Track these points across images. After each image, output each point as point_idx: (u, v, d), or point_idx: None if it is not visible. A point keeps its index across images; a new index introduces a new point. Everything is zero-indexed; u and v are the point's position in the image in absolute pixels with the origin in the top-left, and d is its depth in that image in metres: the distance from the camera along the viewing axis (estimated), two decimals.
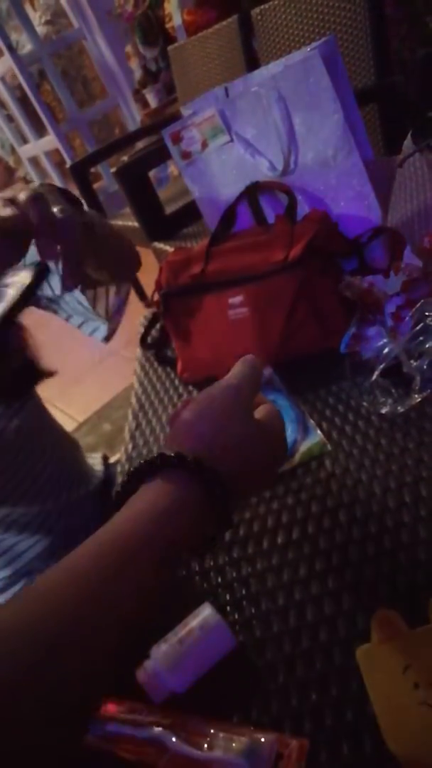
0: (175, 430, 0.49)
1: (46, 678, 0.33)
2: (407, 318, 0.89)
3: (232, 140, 1.13)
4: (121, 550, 0.41)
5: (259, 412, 0.53)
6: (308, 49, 1.07)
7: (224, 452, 0.46)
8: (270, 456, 0.51)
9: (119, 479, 1.03)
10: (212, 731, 0.58)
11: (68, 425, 2.79)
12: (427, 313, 0.86)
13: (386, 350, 0.81)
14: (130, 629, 0.39)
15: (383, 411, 0.83)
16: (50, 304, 1.02)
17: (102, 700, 0.39)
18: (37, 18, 5.24)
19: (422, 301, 0.89)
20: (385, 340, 0.88)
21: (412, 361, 0.79)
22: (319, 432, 0.87)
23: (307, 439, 0.87)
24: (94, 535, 0.43)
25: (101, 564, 0.40)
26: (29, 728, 0.32)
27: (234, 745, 0.56)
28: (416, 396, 0.80)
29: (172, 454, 0.44)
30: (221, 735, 0.58)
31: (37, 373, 1.02)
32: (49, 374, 1.02)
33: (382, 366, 0.81)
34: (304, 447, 0.86)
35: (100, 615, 0.38)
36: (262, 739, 0.56)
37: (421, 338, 0.84)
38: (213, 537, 0.47)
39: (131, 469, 0.46)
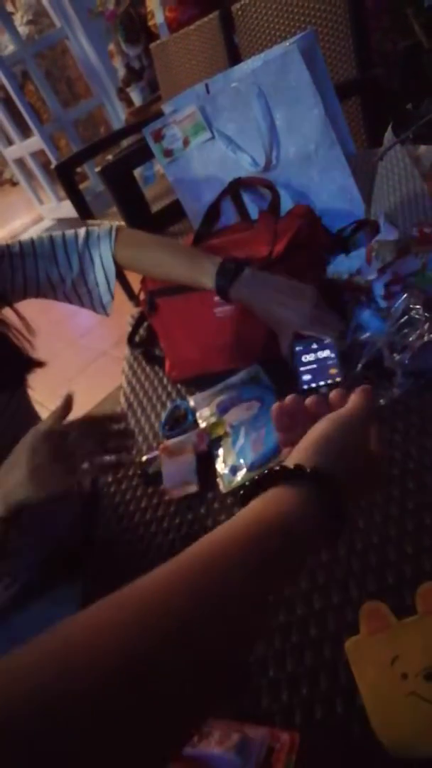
0: (300, 449, 0.52)
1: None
2: (400, 298, 0.89)
3: (213, 137, 1.13)
4: (251, 538, 0.43)
5: (373, 443, 0.56)
6: (287, 44, 1.07)
7: (341, 467, 0.50)
8: (376, 478, 0.56)
9: (109, 477, 1.03)
10: (204, 728, 0.59)
11: None
12: (411, 306, 0.87)
13: (369, 344, 0.81)
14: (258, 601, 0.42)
15: None
16: (70, 294, 1.08)
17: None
18: (18, 18, 5.22)
19: (405, 294, 0.90)
20: (380, 323, 0.88)
21: (395, 355, 0.79)
22: None
23: None
24: (228, 526, 0.45)
25: (234, 546, 0.42)
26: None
27: (226, 740, 0.57)
28: (396, 390, 0.80)
29: (292, 466, 0.48)
30: (213, 731, 0.58)
31: (27, 362, 1.03)
32: (39, 364, 1.04)
33: (366, 359, 0.81)
34: None
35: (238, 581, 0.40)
36: (254, 734, 0.57)
37: (405, 330, 0.85)
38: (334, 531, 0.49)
39: (256, 477, 0.49)
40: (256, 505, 0.47)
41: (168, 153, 1.17)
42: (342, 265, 0.98)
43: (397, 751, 0.52)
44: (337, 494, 0.47)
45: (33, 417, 1.12)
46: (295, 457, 0.51)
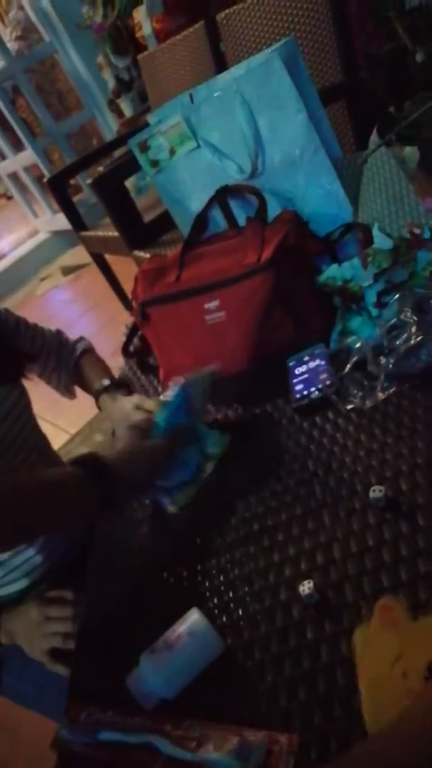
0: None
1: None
2: (391, 302, 0.89)
3: (199, 146, 1.13)
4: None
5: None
6: (268, 52, 1.07)
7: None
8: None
9: None
10: (203, 733, 0.59)
11: (60, 438, 2.79)
12: (400, 309, 0.87)
13: (358, 345, 0.81)
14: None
15: (349, 406, 0.84)
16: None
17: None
18: (7, 34, 5.24)
19: (398, 295, 0.90)
20: (372, 331, 0.88)
21: (381, 358, 0.79)
22: (216, 431, 0.93)
23: (210, 445, 0.93)
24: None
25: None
26: None
27: (225, 745, 0.57)
28: (380, 394, 0.81)
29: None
30: (212, 736, 0.58)
31: (22, 356, 1.16)
32: (31, 357, 1.20)
33: (354, 360, 0.81)
34: (212, 450, 0.92)
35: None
36: (252, 738, 0.57)
37: (395, 333, 0.85)
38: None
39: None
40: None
41: (155, 163, 1.18)
42: (335, 273, 0.98)
43: None
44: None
45: (30, 416, 1.14)
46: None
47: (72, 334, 1.35)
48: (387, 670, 0.55)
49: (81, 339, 1.33)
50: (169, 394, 0.91)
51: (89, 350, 1.31)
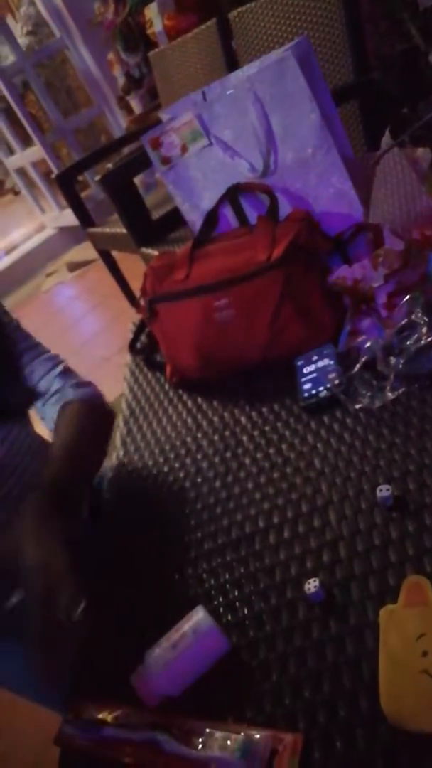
0: None
1: None
2: (401, 303, 0.89)
3: (211, 144, 1.13)
4: None
5: None
6: (282, 51, 1.07)
7: None
8: None
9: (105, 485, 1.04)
10: (207, 731, 0.59)
11: None
12: (411, 310, 0.87)
13: (368, 344, 0.81)
14: None
15: (358, 406, 0.83)
16: None
17: None
18: (18, 29, 5.25)
19: (408, 296, 0.90)
20: (381, 332, 0.88)
21: (391, 358, 0.79)
22: None
23: None
24: None
25: None
26: None
27: (229, 743, 0.57)
28: (389, 394, 0.80)
29: None
30: (216, 734, 0.58)
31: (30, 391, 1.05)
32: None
33: (363, 359, 0.81)
34: None
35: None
36: (257, 736, 0.57)
37: (405, 333, 0.85)
38: None
39: None
40: None
41: (166, 160, 1.18)
42: (345, 273, 0.98)
43: (393, 720, 0.52)
44: None
45: (38, 443, 1.10)
46: None
47: (77, 332, 1.32)
48: (409, 645, 0.56)
49: (87, 384, 1.11)
50: None
51: (72, 402, 1.03)
